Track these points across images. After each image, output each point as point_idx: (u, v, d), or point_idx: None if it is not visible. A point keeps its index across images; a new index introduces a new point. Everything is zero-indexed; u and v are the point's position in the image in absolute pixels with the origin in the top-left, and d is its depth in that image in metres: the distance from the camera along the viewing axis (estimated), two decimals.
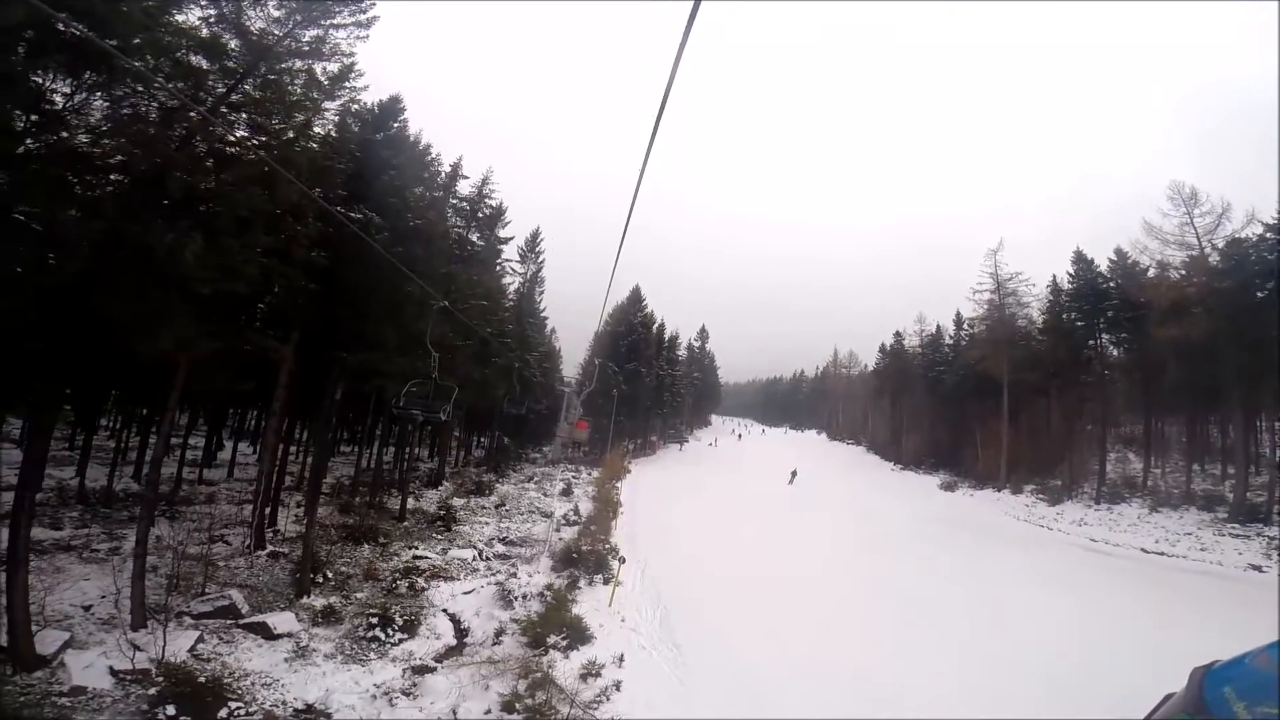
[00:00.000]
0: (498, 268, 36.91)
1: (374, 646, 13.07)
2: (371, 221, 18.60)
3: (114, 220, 11.34)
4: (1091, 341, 33.67)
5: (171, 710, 10.24)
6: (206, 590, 13.78)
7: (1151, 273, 30.28)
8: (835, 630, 13.91)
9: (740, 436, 73.21)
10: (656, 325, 49.99)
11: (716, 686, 11.31)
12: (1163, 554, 22.43)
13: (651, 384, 46.41)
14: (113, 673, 11.00)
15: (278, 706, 11.01)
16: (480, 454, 38.92)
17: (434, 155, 25.12)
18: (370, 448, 27.30)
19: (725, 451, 55.57)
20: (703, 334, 64.59)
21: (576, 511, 23.97)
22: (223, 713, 10.41)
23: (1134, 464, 33.01)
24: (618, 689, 11.03)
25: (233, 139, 16.33)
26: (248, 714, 10.67)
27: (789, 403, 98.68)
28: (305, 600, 14.26)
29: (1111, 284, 32.52)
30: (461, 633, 14.26)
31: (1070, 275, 34.29)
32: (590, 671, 11.46)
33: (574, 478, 33.51)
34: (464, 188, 33.20)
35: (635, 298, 46.68)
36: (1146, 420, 33.16)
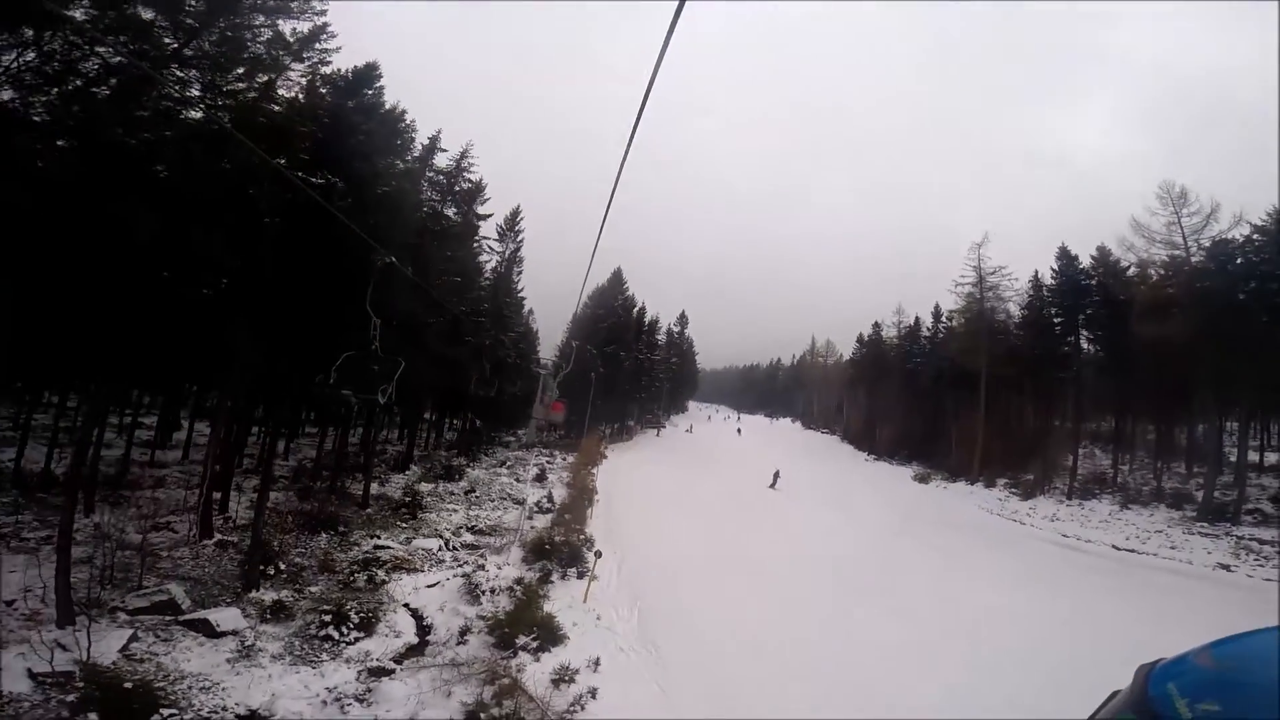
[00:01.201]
0: (475, 245, 35.60)
1: (327, 646, 12.17)
2: (334, 188, 17.38)
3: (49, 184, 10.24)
4: (1070, 338, 33.73)
5: (94, 718, 9.28)
6: (144, 583, 12.70)
7: (1132, 271, 30.31)
8: (817, 629, 13.43)
9: (712, 420, 73.48)
10: (637, 309, 49.12)
11: (699, 693, 10.64)
12: (1133, 551, 22.50)
13: (630, 368, 45.62)
14: (31, 675, 9.94)
15: (216, 713, 10.07)
16: (453, 437, 37.78)
17: (409, 121, 23.74)
18: (335, 429, 26.07)
19: (702, 438, 55.19)
20: (683, 319, 63.77)
21: (550, 499, 23.15)
22: None
23: (1102, 460, 33.32)
24: (593, 696, 10.27)
25: (181, 97, 15.15)
26: None
27: (765, 390, 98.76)
28: (253, 594, 13.26)
29: (1093, 281, 32.51)
30: (424, 630, 13.43)
31: (1054, 271, 34.25)
32: (563, 677, 10.68)
33: (548, 463, 32.66)
34: (443, 162, 31.91)
35: (617, 280, 45.73)
36: (1117, 417, 33.45)
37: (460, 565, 16.17)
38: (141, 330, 13.58)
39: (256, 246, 14.90)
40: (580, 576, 15.05)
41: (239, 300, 14.47)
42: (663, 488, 28.57)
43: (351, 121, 18.77)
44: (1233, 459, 26.40)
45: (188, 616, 12.09)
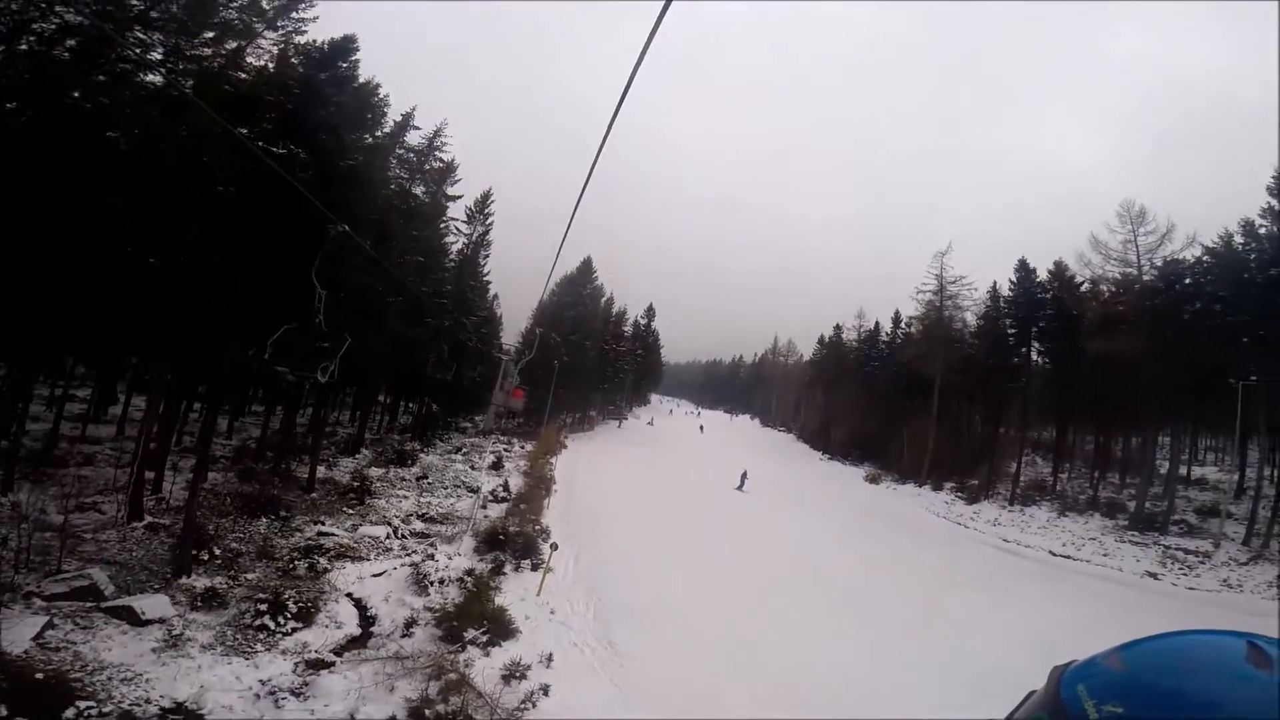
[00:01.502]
0: (442, 226, 34.73)
1: (262, 636, 11.58)
2: (296, 158, 16.57)
3: None
4: (1023, 349, 34.83)
5: (3, 710, 8.61)
6: (64, 568, 11.88)
7: (1086, 287, 31.42)
8: (775, 626, 13.44)
9: (674, 414, 73.85)
10: (605, 299, 48.77)
11: (656, 690, 10.42)
12: (1069, 557, 23.42)
13: (595, 358, 45.27)
14: None
15: (139, 706, 9.46)
16: (408, 420, 36.84)
17: (383, 96, 22.77)
18: (283, 408, 25.03)
19: (664, 431, 55.35)
20: (650, 312, 63.60)
21: (506, 488, 22.69)
22: (69, 713, 8.84)
23: (1043, 469, 34.59)
24: (545, 694, 9.98)
25: (141, 60, 14.27)
26: (101, 714, 9.12)
27: (727, 386, 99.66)
28: (184, 581, 12.57)
29: (1048, 295, 33.57)
30: (367, 621, 12.96)
31: (1012, 283, 35.24)
32: (514, 673, 10.36)
33: (505, 450, 32.16)
34: (416, 140, 30.99)
35: (586, 269, 45.29)
36: (1058, 428, 34.75)
37: (409, 554, 15.68)
38: (75, 295, 12.70)
39: (208, 215, 14.11)
40: (535, 569, 14.71)
41: (185, 269, 13.63)
42: (623, 480, 28.47)
43: (322, 94, 18.09)
44: (1163, 471, 27.72)
45: (110, 603, 11.35)
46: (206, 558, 13.82)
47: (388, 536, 16.65)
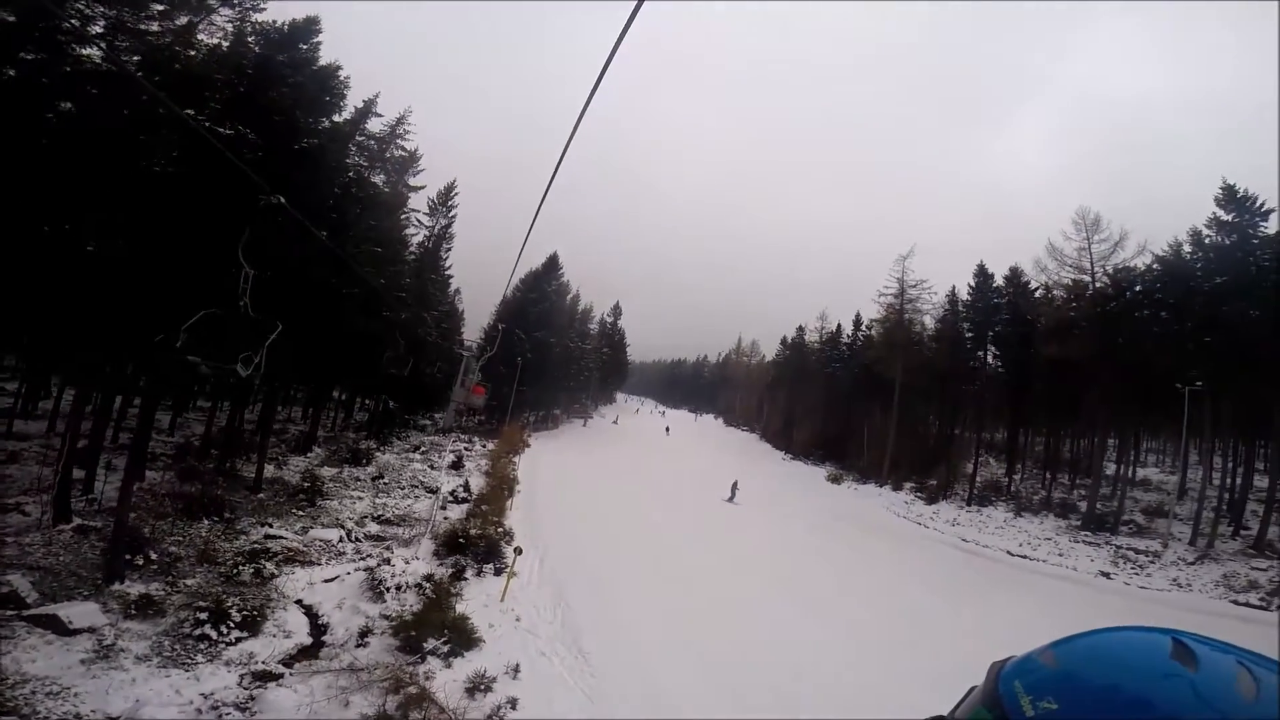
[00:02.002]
0: (403, 217, 33.73)
1: (203, 646, 10.84)
2: (244, 137, 15.67)
3: None
4: (980, 352, 35.73)
5: None
6: None
7: (1040, 293, 32.36)
8: (746, 630, 13.20)
9: (639, 412, 73.87)
10: (571, 295, 48.14)
11: (631, 703, 10.01)
12: (1025, 557, 23.98)
13: (560, 355, 44.61)
14: None
15: None
16: (364, 418, 35.58)
17: (343, 78, 21.74)
18: (229, 403, 23.77)
19: (629, 431, 55.02)
20: (616, 310, 63.23)
21: (466, 488, 21.97)
22: None
23: (995, 469, 35.55)
24: (513, 707, 9.49)
25: (79, 33, 13.26)
26: None
27: (691, 386, 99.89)
28: (117, 587, 11.71)
29: (1004, 300, 34.50)
30: (318, 630, 12.27)
31: (970, 287, 36.10)
32: (478, 685, 9.85)
33: (466, 449, 31.33)
34: (378, 128, 30.06)
35: (552, 265, 44.58)
36: (1012, 429, 35.79)
37: (363, 558, 14.95)
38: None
39: (141, 195, 13.17)
40: (498, 573, 14.13)
41: (113, 251, 12.69)
42: (590, 480, 27.98)
43: (279, 75, 17.29)
44: (1109, 472, 28.79)
45: (33, 612, 10.46)
46: (142, 562, 12.91)
47: (340, 540, 15.85)
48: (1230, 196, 24.17)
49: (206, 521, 15.31)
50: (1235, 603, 18.70)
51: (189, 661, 10.56)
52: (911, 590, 17.91)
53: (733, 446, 54.62)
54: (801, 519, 26.76)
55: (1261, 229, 23.46)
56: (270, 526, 15.82)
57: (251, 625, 11.59)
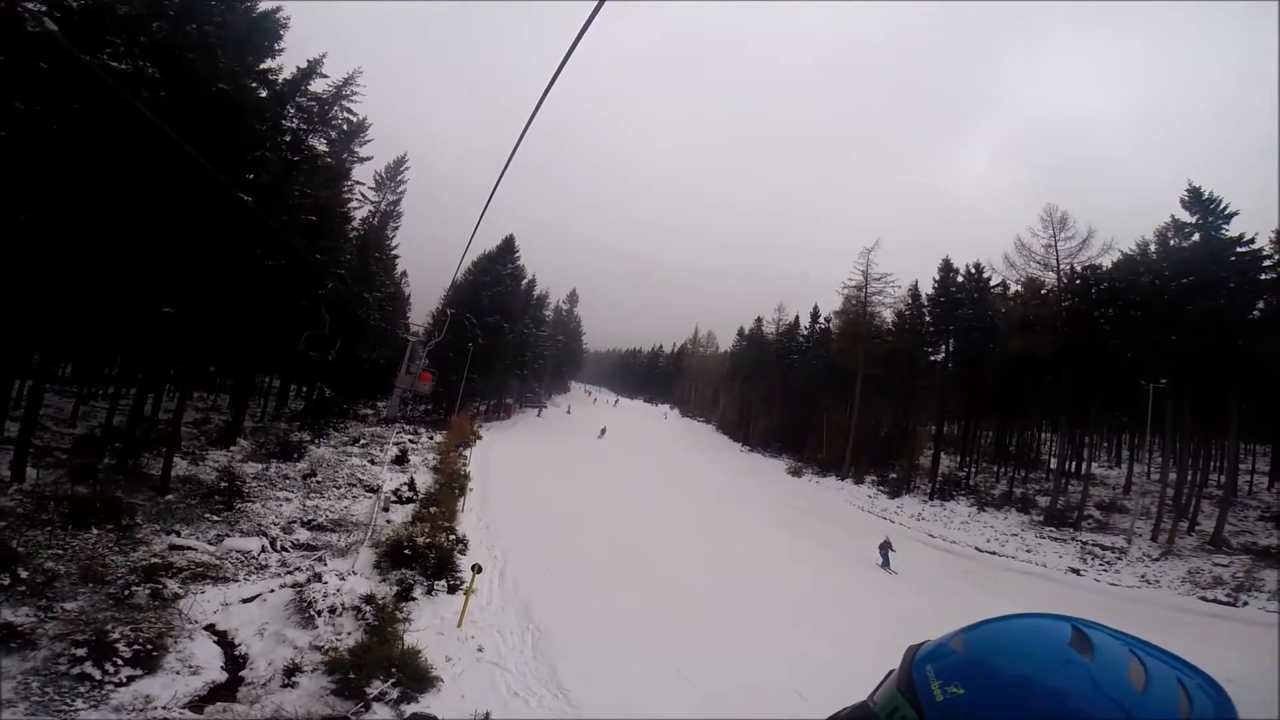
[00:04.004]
0: (347, 189, 30.97)
1: (84, 689, 8.73)
2: (143, 73, 13.18)
3: None
4: (943, 344, 35.68)
5: None
6: None
7: (1005, 289, 32.42)
8: (743, 646, 11.87)
9: (597, 401, 72.81)
10: (527, 280, 45.91)
11: None
12: (995, 554, 23.68)
13: (515, 341, 42.39)
14: None
15: None
16: (302, 406, 32.60)
17: (285, 19, 18.99)
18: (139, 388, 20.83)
19: (585, 421, 53.17)
20: (573, 297, 61.32)
21: (412, 486, 19.67)
22: None
23: (946, 462, 35.57)
24: None
25: None
26: None
27: (646, 376, 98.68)
28: None
29: (965, 295, 34.45)
30: (235, 662, 10.19)
31: (935, 281, 35.98)
32: None
33: (412, 442, 28.98)
34: (323, 89, 27.27)
35: (508, 248, 42.28)
36: (969, 423, 35.98)
37: (290, 572, 12.79)
38: None
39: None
40: (452, 591, 12.20)
41: None
42: (548, 476, 26.09)
43: (205, 13, 14.86)
44: (1052, 467, 29.00)
45: None
46: (8, 582, 10.54)
47: (263, 550, 13.54)
48: (1195, 199, 24.30)
49: (97, 530, 12.87)
50: (1204, 599, 18.68)
51: (65, 708, 8.46)
52: (897, 594, 17.02)
53: (690, 438, 53.64)
54: (772, 517, 25.70)
55: (1224, 230, 23.67)
56: (178, 535, 13.45)
57: (148, 660, 9.47)
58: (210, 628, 10.83)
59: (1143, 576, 20.44)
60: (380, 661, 8.92)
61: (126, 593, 10.85)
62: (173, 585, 11.21)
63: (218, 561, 12.54)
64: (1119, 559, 21.72)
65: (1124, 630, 0.77)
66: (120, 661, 9.31)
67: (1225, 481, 23.68)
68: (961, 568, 21.39)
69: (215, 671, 9.90)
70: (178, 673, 9.61)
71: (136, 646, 9.54)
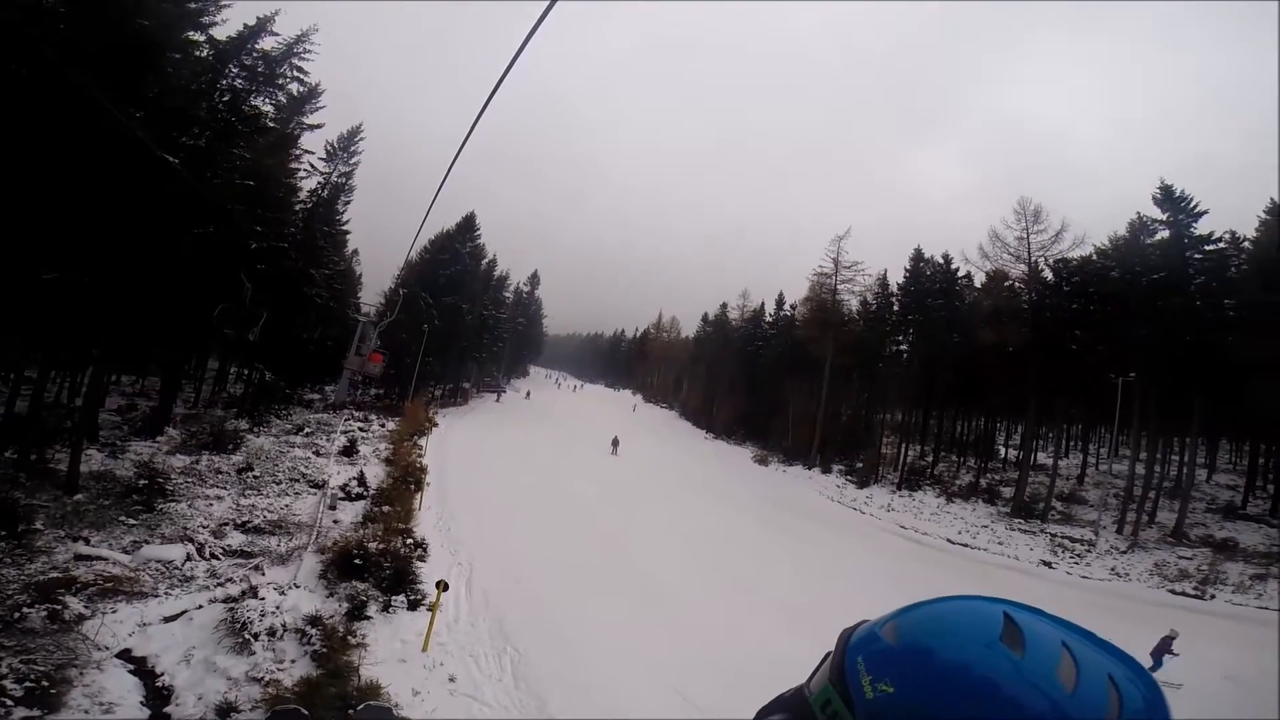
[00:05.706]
0: (295, 158, 28.59)
1: None
2: (41, 3, 11.20)
3: None
4: (910, 333, 35.73)
5: None
6: None
7: (979, 279, 32.53)
8: (735, 660, 10.93)
9: (561, 386, 71.81)
10: (487, 260, 43.96)
11: None
12: (966, 545, 23.65)
13: (473, 324, 40.49)
14: None
15: None
16: (241, 390, 30.16)
17: None
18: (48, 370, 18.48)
19: (543, 405, 51.69)
20: (534, 279, 59.36)
21: (362, 481, 17.82)
22: None
23: (902, 451, 35.68)
24: None
25: None
26: None
27: (609, 360, 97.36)
28: None
29: (935, 285, 34.45)
30: (158, 697, 8.71)
31: (906, 270, 35.89)
32: None
33: (362, 430, 27.10)
34: (272, 46, 24.88)
35: (468, 225, 40.25)
36: (925, 413, 36.18)
37: (220, 584, 11.24)
38: None
39: None
40: (413, 607, 10.75)
41: None
42: (510, 467, 24.65)
43: None
44: (1010, 457, 29.36)
45: None
46: None
47: (188, 558, 11.81)
48: (1167, 196, 24.53)
49: None
50: (1173, 592, 18.91)
51: None
52: (882, 589, 16.41)
53: (654, 425, 52.77)
54: (747, 508, 25.02)
55: (1193, 229, 23.99)
56: (86, 542, 11.66)
57: (45, 698, 7.98)
58: (125, 654, 9.28)
59: (1112, 569, 20.64)
60: (333, 698, 7.57)
61: (18, 615, 9.18)
62: (76, 604, 9.56)
63: (133, 573, 10.87)
64: (1089, 551, 21.93)
65: (1061, 616, 0.70)
66: (10, 702, 7.82)
67: (1186, 475, 24.21)
68: (935, 560, 21.20)
69: (133, 708, 8.42)
70: (86, 711, 8.14)
71: (29, 683, 8.05)
